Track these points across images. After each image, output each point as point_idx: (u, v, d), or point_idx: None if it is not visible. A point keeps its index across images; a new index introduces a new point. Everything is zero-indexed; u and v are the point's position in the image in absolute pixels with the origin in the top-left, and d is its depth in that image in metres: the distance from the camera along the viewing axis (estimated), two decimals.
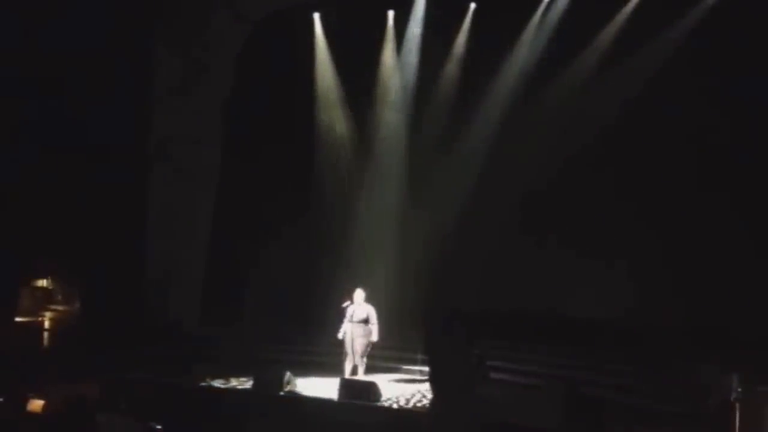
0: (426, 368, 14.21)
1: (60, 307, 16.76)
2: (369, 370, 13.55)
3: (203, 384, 13.16)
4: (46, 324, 16.51)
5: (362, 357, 13.36)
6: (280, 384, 12.40)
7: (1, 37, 14.41)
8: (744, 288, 13.14)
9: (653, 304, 14.14)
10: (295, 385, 12.68)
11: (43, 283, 16.90)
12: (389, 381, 13.86)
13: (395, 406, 12.48)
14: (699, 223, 13.81)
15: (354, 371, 13.35)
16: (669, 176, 14.23)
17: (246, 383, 13.45)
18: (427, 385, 13.85)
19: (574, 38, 14.87)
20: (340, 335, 13.33)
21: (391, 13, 16.47)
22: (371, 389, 12.10)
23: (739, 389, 10.18)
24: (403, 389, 13.58)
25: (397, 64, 16.65)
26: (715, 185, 13.78)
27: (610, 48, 14.67)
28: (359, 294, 13.33)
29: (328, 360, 13.98)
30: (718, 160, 13.81)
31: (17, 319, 15.98)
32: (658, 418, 11.50)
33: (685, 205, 13.96)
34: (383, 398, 12.32)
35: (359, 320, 13.24)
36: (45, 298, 16.82)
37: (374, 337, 13.28)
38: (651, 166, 14.42)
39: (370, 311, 13.29)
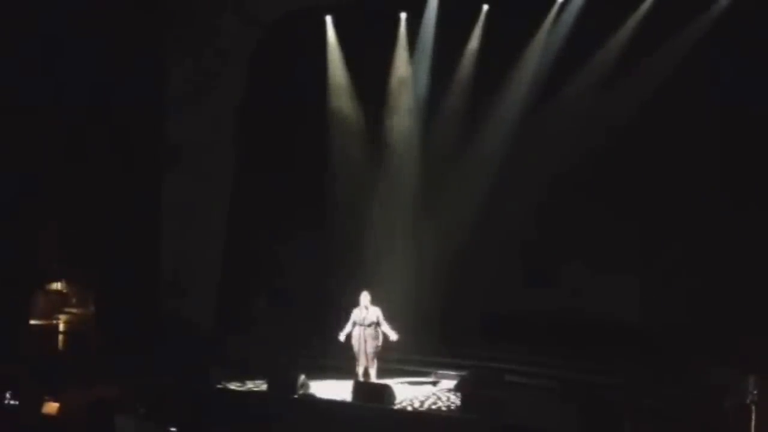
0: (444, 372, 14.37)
1: (74, 310, 16.77)
2: (381, 373, 13.57)
3: (219, 387, 13.21)
4: (61, 327, 16.56)
5: (373, 360, 13.38)
6: (295, 387, 12.45)
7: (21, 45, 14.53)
8: (761, 290, 13.06)
9: (670, 307, 14.10)
10: (309, 388, 12.72)
11: (57, 286, 16.94)
12: (401, 383, 13.87)
13: (409, 408, 12.49)
14: (717, 224, 13.75)
15: (365, 374, 13.37)
16: (686, 178, 14.18)
17: (261, 386, 13.50)
18: (439, 388, 13.93)
19: (588, 40, 14.83)
20: (341, 338, 13.34)
21: (403, 16, 16.44)
22: (385, 392, 12.13)
23: (755, 391, 10.15)
24: (416, 392, 13.59)
25: (409, 67, 16.62)
26: (735, 187, 13.71)
27: (624, 49, 14.59)
28: (365, 297, 13.34)
29: (342, 363, 13.99)
30: (740, 160, 13.73)
31: (32, 322, 16.05)
32: (675, 420, 11.46)
33: (703, 206, 13.90)
34: (397, 401, 12.33)
35: (368, 324, 13.26)
36: (59, 301, 16.85)
37: (393, 337, 13.24)
38: (667, 168, 14.35)
39: (377, 313, 13.30)
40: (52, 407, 9.98)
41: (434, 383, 14.23)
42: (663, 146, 14.34)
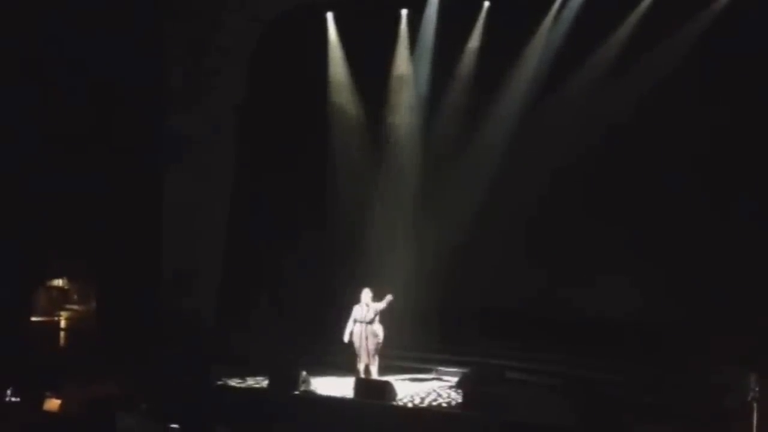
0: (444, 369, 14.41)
1: (76, 307, 16.83)
2: (382, 369, 13.58)
3: (220, 384, 13.23)
4: (62, 324, 16.60)
5: (374, 357, 13.41)
6: (296, 383, 12.47)
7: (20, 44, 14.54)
8: (762, 288, 13.05)
9: (670, 304, 14.08)
10: (310, 385, 12.74)
11: (58, 282, 16.98)
12: (402, 380, 13.89)
13: (410, 405, 12.50)
14: (718, 221, 13.72)
15: (367, 371, 13.40)
16: (686, 173, 14.15)
17: (262, 383, 13.51)
18: (440, 384, 13.96)
19: (589, 37, 14.80)
20: (345, 338, 13.36)
21: (404, 12, 16.40)
22: (386, 388, 12.16)
23: (757, 388, 10.17)
24: (417, 388, 13.60)
25: (410, 64, 16.59)
26: (733, 181, 13.69)
27: (625, 46, 14.57)
28: (366, 294, 13.36)
29: (343, 360, 14.01)
30: (738, 156, 13.70)
31: (33, 318, 16.07)
32: (676, 417, 11.46)
33: (703, 202, 13.89)
34: (398, 397, 12.35)
35: (369, 320, 13.28)
36: (61, 298, 16.90)
37: (380, 335, 13.28)
38: (668, 166, 14.33)
39: (378, 309, 13.31)
40: (53, 404, 10.03)
41: (439, 379, 14.28)
42: (664, 144, 14.32)
